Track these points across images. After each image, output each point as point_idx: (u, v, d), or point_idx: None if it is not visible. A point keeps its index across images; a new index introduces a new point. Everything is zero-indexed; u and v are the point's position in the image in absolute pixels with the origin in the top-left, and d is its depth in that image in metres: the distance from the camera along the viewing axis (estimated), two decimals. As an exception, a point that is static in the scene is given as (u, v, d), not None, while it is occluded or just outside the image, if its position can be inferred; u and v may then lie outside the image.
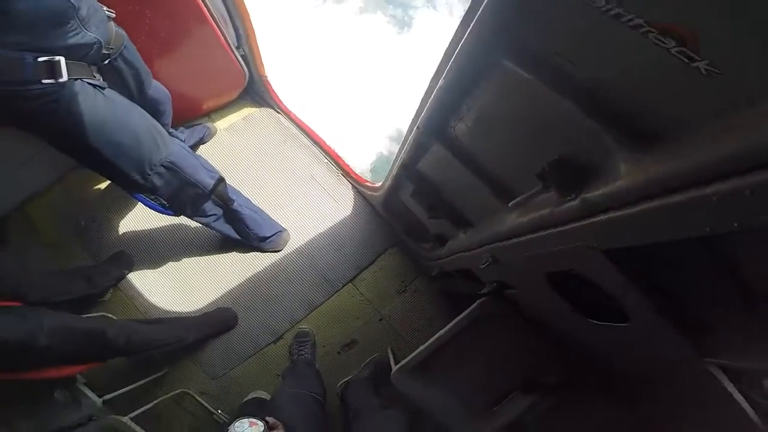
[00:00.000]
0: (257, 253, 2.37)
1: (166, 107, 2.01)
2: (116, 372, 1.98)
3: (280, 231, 2.37)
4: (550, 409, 1.59)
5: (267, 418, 1.20)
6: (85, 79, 1.43)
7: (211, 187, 1.86)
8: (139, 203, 2.09)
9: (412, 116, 1.24)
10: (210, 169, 1.89)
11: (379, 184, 2.17)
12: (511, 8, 0.72)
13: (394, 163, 1.68)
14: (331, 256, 2.42)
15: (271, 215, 2.34)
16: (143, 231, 2.35)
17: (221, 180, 1.93)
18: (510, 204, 1.01)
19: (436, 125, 1.16)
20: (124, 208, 2.37)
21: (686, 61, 0.51)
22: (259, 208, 2.27)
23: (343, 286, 2.38)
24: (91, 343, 1.58)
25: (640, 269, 0.91)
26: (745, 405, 0.92)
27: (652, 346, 1.10)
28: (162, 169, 1.68)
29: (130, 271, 2.27)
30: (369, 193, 2.40)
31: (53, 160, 2.24)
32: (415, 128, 1.23)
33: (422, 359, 1.62)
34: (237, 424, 1.14)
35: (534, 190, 0.90)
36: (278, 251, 2.40)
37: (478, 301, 1.61)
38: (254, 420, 1.14)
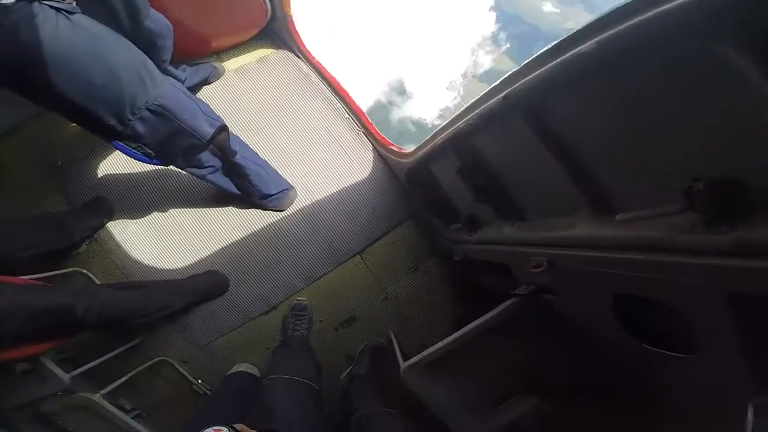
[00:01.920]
0: (258, 211, 2.13)
1: (165, 41, 1.67)
2: (87, 340, 1.75)
3: (287, 189, 2.13)
4: (549, 413, 1.52)
5: (235, 425, 1.02)
6: (44, 1, 1.16)
7: (210, 136, 1.61)
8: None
9: (497, 83, 0.97)
10: (211, 116, 1.63)
11: (408, 149, 1.91)
12: None
13: (438, 132, 1.44)
14: (339, 223, 2.20)
15: (278, 171, 2.10)
16: (128, 175, 2.07)
17: (223, 128, 1.67)
18: (618, 217, 0.79)
19: (532, 101, 0.92)
20: (109, 149, 2.07)
21: None
22: (265, 161, 2.02)
23: (349, 258, 2.17)
24: (58, 322, 1.36)
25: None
26: None
27: (707, 376, 0.96)
28: (147, 114, 1.41)
29: (110, 220, 2.01)
30: (393, 158, 2.14)
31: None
32: (501, 97, 0.97)
33: (437, 358, 1.48)
34: None
35: (668, 208, 0.66)
36: (282, 211, 2.16)
37: (509, 302, 1.45)
38: (219, 427, 0.97)
